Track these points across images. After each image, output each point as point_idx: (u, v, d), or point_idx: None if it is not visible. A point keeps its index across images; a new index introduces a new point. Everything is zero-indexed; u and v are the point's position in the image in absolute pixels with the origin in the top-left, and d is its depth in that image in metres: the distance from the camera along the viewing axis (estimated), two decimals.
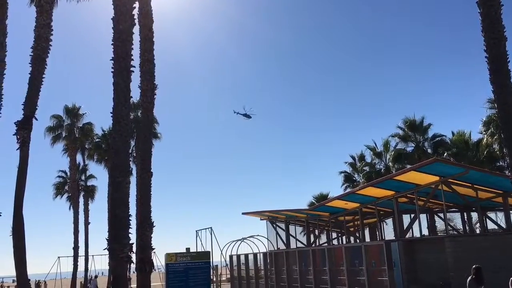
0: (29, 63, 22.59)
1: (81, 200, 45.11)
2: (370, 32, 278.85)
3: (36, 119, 22.34)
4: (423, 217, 20.62)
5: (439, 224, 23.03)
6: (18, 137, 21.59)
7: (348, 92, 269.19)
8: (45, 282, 44.68)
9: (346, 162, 42.38)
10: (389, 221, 25.40)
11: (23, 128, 21.61)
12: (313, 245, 25.98)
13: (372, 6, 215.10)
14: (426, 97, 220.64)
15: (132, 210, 19.51)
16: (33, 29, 22.98)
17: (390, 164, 37.88)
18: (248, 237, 28.17)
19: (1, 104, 22.35)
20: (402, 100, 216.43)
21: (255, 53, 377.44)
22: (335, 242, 28.07)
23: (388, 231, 25.49)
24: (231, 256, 27.86)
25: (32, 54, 22.61)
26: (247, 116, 55.31)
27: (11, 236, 21.28)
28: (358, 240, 25.94)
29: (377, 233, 26.33)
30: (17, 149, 21.68)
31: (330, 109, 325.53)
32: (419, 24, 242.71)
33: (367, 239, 26.43)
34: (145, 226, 21.67)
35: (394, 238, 20.42)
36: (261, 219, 28.58)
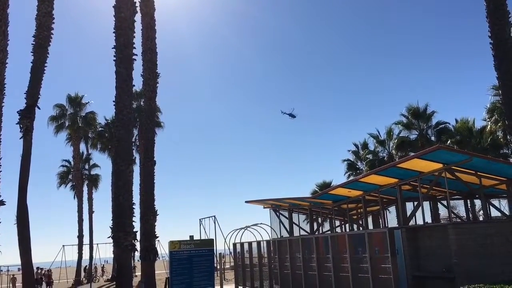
0: (31, 52, 22.53)
1: (85, 189, 45.41)
2: (373, 20, 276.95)
3: (39, 108, 22.39)
4: (426, 204, 20.58)
5: (443, 212, 23.02)
6: (21, 126, 21.64)
7: (351, 80, 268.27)
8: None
9: (349, 150, 42.46)
10: (392, 208, 25.40)
11: (26, 117, 21.66)
12: (316, 233, 26.05)
13: None
14: (429, 84, 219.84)
15: (136, 198, 19.66)
16: (34, 18, 22.90)
17: (394, 152, 37.88)
18: (251, 225, 28.33)
19: (4, 93, 22.35)
20: (406, 87, 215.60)
21: (257, 41, 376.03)
22: (338, 229, 28.12)
23: (391, 219, 25.50)
24: (234, 244, 28.00)
25: (34, 43, 22.55)
26: (292, 116, 58.86)
27: (16, 225, 21.43)
28: (361, 228, 25.99)
29: (380, 220, 26.35)
30: (20, 138, 21.74)
31: (333, 97, 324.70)
32: (422, 11, 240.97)
33: (370, 226, 26.47)
34: (149, 214, 21.82)
35: (397, 225, 20.43)
36: (264, 207, 28.63)
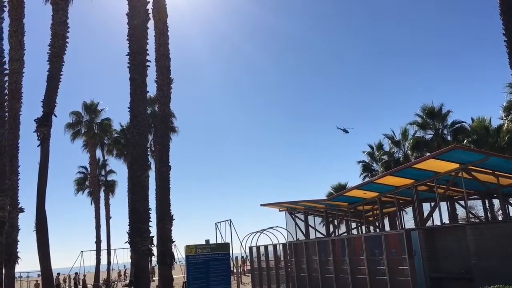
0: (47, 61, 22.91)
1: (102, 195, 45.89)
2: (387, 20, 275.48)
3: (56, 116, 22.76)
4: (443, 205, 20.37)
5: (460, 212, 22.75)
6: (39, 134, 22.00)
7: (365, 81, 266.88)
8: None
9: (364, 152, 42.16)
10: (409, 209, 25.19)
11: (43, 125, 22.01)
12: (332, 235, 25.95)
13: None
14: (444, 83, 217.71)
15: (152, 203, 19.83)
16: (49, 27, 23.28)
17: (409, 152, 37.53)
18: (267, 228, 28.26)
19: (21, 102, 22.76)
20: (420, 87, 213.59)
21: (270, 44, 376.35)
22: (354, 231, 27.97)
23: (408, 220, 25.30)
24: (250, 248, 27.98)
25: (49, 52, 22.92)
26: (346, 131, 59.79)
27: (35, 231, 21.76)
28: (377, 230, 25.82)
29: (397, 222, 26.16)
30: (37, 146, 22.09)
31: (348, 98, 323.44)
32: (436, 10, 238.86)
33: (387, 228, 26.28)
34: (165, 219, 21.96)
35: (414, 226, 20.27)
36: (279, 210, 28.62)
